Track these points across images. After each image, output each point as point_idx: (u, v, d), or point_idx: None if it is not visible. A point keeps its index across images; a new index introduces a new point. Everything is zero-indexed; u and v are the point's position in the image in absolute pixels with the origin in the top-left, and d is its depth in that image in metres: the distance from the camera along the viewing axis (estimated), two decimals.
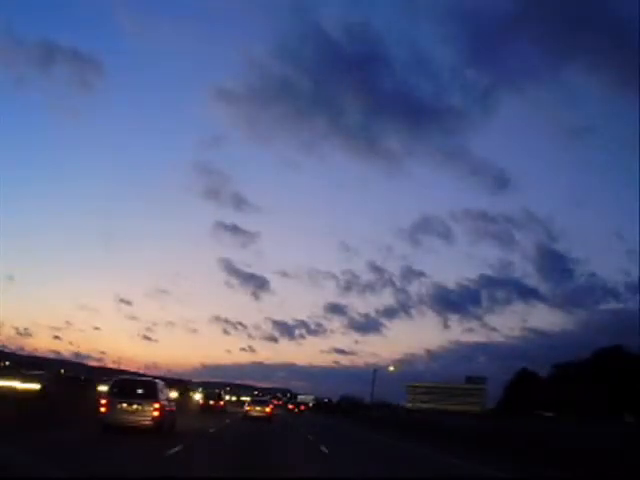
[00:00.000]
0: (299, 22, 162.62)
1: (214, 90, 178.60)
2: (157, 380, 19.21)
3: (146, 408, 16.68)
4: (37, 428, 15.39)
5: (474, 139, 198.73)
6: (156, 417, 16.69)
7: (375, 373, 76.23)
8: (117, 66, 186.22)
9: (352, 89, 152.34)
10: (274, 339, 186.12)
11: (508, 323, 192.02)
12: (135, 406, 16.69)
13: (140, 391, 17.30)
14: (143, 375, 52.19)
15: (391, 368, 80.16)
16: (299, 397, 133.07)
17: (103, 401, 16.86)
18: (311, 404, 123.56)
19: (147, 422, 16.55)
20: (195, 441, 17.63)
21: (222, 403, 45.92)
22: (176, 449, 14.08)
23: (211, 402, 44.23)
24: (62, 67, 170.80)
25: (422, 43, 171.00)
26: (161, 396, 17.52)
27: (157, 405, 16.86)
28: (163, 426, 17.10)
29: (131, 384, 18.09)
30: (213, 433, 22.16)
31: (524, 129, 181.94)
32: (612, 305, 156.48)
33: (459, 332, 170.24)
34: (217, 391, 61.42)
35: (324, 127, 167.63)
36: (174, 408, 19.83)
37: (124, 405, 16.64)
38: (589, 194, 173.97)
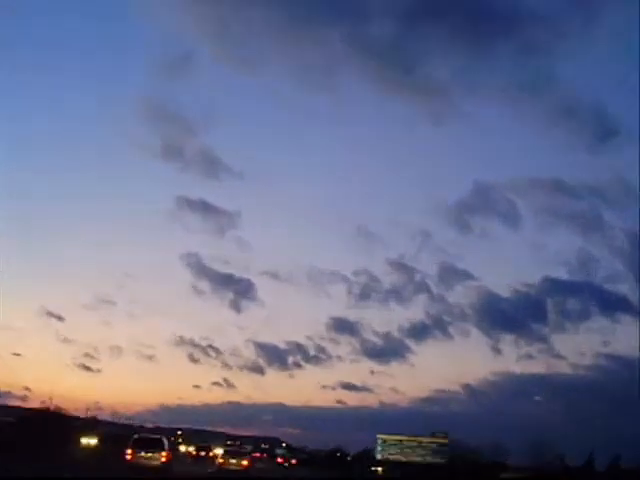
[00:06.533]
0: None
1: None
2: (163, 437, 29.24)
3: (157, 455, 26.61)
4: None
5: (564, 65, 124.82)
6: (164, 461, 26.79)
7: None
8: None
9: None
10: (259, 369, 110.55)
11: (580, 347, 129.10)
12: (150, 454, 26.57)
13: (152, 444, 27.22)
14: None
15: None
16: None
17: (129, 451, 26.85)
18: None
19: (158, 464, 26.43)
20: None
21: (211, 454, 57.78)
22: None
23: (202, 453, 57.23)
24: None
25: None
26: (166, 447, 27.55)
27: (164, 453, 27.02)
28: (168, 467, 26.95)
29: (147, 440, 28.15)
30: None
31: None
32: None
33: (512, 360, 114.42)
34: (208, 444, 71.97)
35: (336, 44, 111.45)
36: (172, 456, 29.84)
37: (143, 453, 26.52)
38: None
